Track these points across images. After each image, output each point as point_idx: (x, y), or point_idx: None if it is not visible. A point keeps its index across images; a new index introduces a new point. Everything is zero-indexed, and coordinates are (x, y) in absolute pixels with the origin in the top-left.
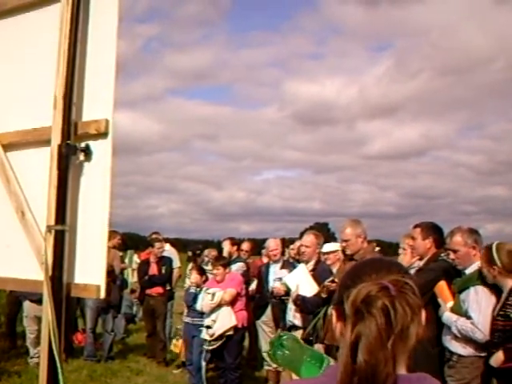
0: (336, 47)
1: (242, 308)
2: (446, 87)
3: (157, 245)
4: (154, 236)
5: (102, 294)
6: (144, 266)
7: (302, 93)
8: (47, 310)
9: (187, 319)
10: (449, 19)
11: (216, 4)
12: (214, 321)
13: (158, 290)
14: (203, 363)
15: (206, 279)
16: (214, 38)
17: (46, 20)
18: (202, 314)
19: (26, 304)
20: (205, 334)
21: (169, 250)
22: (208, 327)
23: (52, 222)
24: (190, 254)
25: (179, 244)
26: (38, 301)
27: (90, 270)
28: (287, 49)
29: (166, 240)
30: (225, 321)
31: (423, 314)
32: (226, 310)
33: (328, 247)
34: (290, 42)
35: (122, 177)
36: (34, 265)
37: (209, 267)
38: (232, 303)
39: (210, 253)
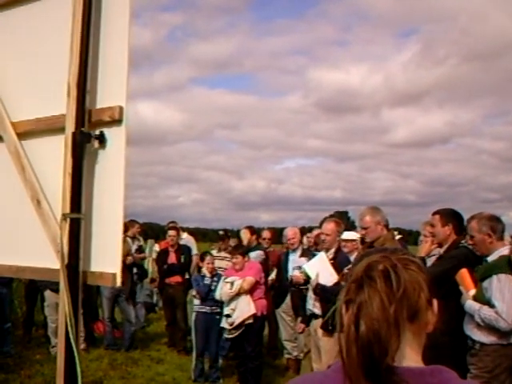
0: (361, 34)
1: (262, 296)
2: (473, 73)
3: (170, 232)
4: (170, 225)
5: (118, 282)
6: (163, 255)
7: (326, 80)
8: (63, 298)
9: (202, 308)
10: (479, 3)
11: None
12: (233, 309)
13: (177, 278)
14: (221, 353)
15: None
16: (238, 26)
17: (59, 8)
18: (217, 303)
19: (47, 293)
20: (224, 323)
21: (186, 239)
22: (227, 316)
23: (67, 210)
24: (221, 232)
25: (199, 233)
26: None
27: (105, 258)
28: (312, 36)
29: (184, 229)
30: (244, 309)
31: (435, 303)
32: (244, 299)
33: (347, 235)
34: (315, 29)
35: (144, 167)
36: (50, 253)
37: (214, 252)
38: (251, 292)
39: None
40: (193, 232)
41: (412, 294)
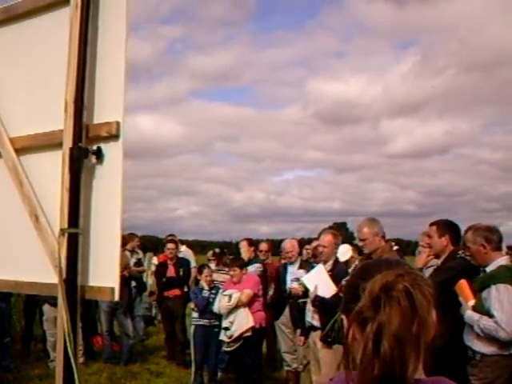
0: (361, 45)
1: (260, 309)
2: (472, 83)
3: (169, 246)
4: (168, 238)
5: (117, 297)
6: (162, 268)
7: (325, 92)
8: (62, 313)
9: (201, 321)
10: (477, 14)
11: (240, 4)
12: (232, 322)
13: (176, 291)
14: (220, 365)
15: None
16: (237, 38)
17: (56, 24)
18: (215, 316)
19: (46, 307)
20: (223, 336)
21: (184, 252)
22: (226, 329)
23: (65, 225)
24: (217, 250)
25: (198, 246)
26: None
27: (103, 272)
28: (312, 47)
29: (183, 242)
30: (242, 322)
31: (434, 314)
32: (243, 312)
33: (342, 248)
34: (315, 40)
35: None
36: (48, 268)
37: (212, 265)
38: (249, 304)
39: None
40: (192, 245)
41: (426, 310)
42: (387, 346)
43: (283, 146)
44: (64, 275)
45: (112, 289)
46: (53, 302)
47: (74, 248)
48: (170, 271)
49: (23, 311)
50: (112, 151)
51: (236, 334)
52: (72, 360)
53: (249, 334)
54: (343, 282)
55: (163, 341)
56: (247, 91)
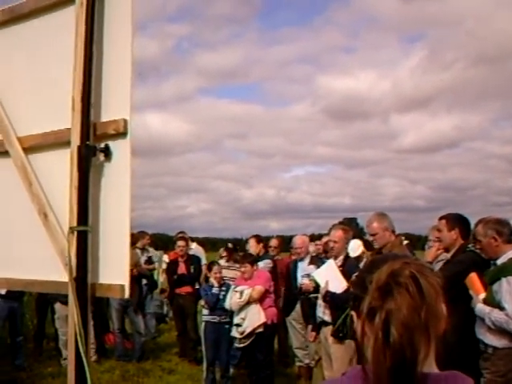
0: (369, 40)
1: (271, 305)
2: (481, 77)
3: (179, 243)
4: (178, 236)
5: (127, 294)
6: (173, 265)
7: (334, 87)
8: (73, 311)
9: (211, 318)
10: (485, 7)
11: (246, 1)
12: (243, 319)
13: (187, 289)
14: (232, 362)
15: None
16: (244, 36)
17: (62, 22)
18: (226, 313)
19: (57, 306)
20: (235, 332)
21: (195, 249)
22: (238, 325)
23: (74, 223)
24: (230, 245)
25: (208, 243)
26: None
27: (113, 270)
28: (319, 43)
29: (193, 239)
30: (254, 318)
31: (444, 307)
32: (254, 308)
33: (353, 243)
34: (322, 36)
35: (152, 178)
36: (58, 266)
37: (222, 262)
38: (260, 300)
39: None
40: (202, 242)
41: (434, 298)
42: (396, 334)
43: (292, 143)
44: (74, 273)
45: (122, 286)
46: (64, 300)
47: (83, 246)
48: (181, 268)
49: (35, 310)
50: (120, 149)
51: (248, 331)
52: (84, 358)
53: (261, 330)
54: (354, 278)
55: (175, 338)
56: (255, 88)
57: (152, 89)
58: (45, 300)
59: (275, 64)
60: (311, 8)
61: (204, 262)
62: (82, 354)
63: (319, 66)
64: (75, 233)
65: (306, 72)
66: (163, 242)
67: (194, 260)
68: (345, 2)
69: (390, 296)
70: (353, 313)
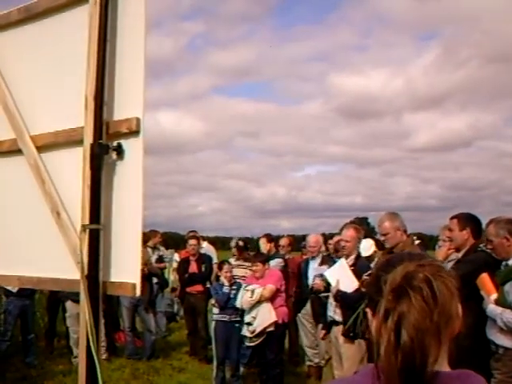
0: (382, 38)
1: (282, 304)
2: (495, 75)
3: (190, 242)
4: (190, 234)
5: (138, 292)
6: (184, 264)
7: (346, 86)
8: (84, 309)
9: (221, 317)
10: (500, 5)
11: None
12: (254, 317)
13: (198, 287)
14: (243, 361)
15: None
16: (257, 33)
17: (76, 21)
18: (236, 311)
19: (69, 304)
20: (245, 331)
21: (206, 248)
22: (248, 324)
23: (86, 221)
24: (241, 243)
25: (219, 242)
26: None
27: (125, 268)
28: (332, 41)
29: (204, 238)
30: (265, 317)
31: (459, 308)
32: (265, 307)
33: (366, 248)
34: (335, 34)
35: (164, 176)
36: (70, 264)
37: (232, 261)
38: (272, 299)
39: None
40: (213, 241)
41: (448, 301)
42: (407, 337)
43: (304, 141)
44: (86, 271)
45: (133, 284)
46: (75, 298)
47: (95, 244)
48: (193, 267)
49: (47, 308)
50: (132, 147)
51: (258, 329)
52: (95, 355)
53: (271, 328)
54: (365, 277)
55: (185, 336)
56: (268, 86)
57: (165, 87)
58: (56, 298)
59: (288, 62)
60: (324, 6)
61: (215, 260)
62: (94, 352)
63: (332, 64)
64: (87, 231)
65: (318, 70)
66: (174, 241)
67: (205, 259)
68: (358, 0)
69: (403, 299)
70: (368, 310)
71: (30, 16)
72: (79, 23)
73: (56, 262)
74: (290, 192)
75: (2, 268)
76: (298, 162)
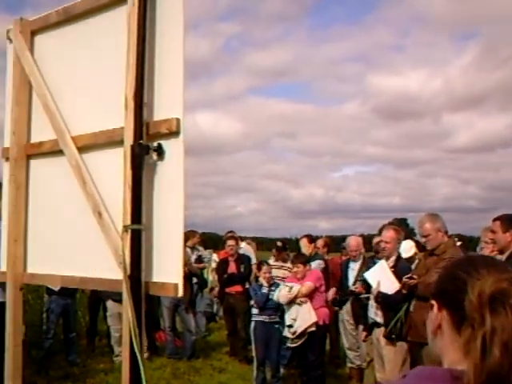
0: (420, 37)
1: (323, 305)
2: None
3: (229, 242)
4: (228, 235)
5: (180, 293)
6: (223, 264)
7: (384, 86)
8: (127, 309)
9: (260, 318)
10: None
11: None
12: (295, 319)
13: (237, 288)
14: (283, 362)
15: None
16: (294, 34)
17: (114, 22)
18: (275, 312)
19: (109, 303)
20: (286, 333)
21: (244, 248)
22: (289, 326)
23: (128, 221)
24: (279, 244)
25: (257, 242)
26: (121, 300)
27: (167, 268)
28: (369, 41)
29: (242, 238)
30: (305, 317)
31: None
32: (305, 307)
33: (406, 249)
34: (373, 34)
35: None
36: (112, 264)
37: (271, 261)
38: (311, 299)
39: None
40: (251, 241)
41: None
42: (497, 353)
43: (342, 142)
44: (128, 271)
45: (175, 285)
46: (116, 298)
47: (137, 244)
48: (232, 268)
49: (88, 307)
50: (172, 148)
51: (299, 330)
52: (138, 355)
53: (312, 329)
54: (405, 279)
55: (225, 337)
56: (305, 87)
57: (202, 88)
58: (97, 297)
59: (325, 62)
60: (361, 6)
61: (254, 261)
62: (137, 352)
63: (369, 64)
64: (129, 231)
65: (356, 70)
66: (213, 242)
67: (244, 259)
68: (395, 0)
69: (496, 314)
70: (433, 302)
71: (68, 18)
72: (118, 24)
73: (98, 261)
74: (327, 193)
75: (45, 267)
76: (336, 162)
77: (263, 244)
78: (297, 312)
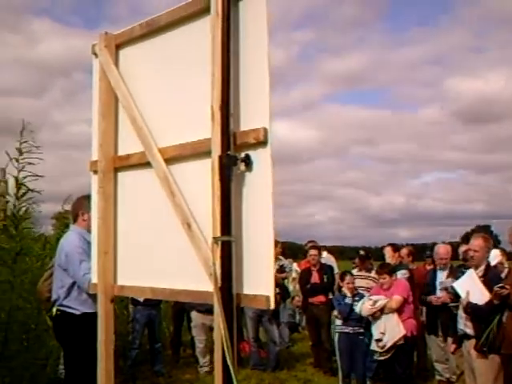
0: (499, 38)
1: (410, 316)
2: None
3: (311, 252)
4: (310, 244)
5: (272, 305)
6: (305, 274)
7: (463, 89)
8: (219, 321)
9: (345, 329)
10: None
11: (372, 4)
12: (383, 333)
13: (321, 298)
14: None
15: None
16: (369, 39)
17: (196, 33)
18: (360, 323)
19: (194, 314)
20: (375, 346)
21: (326, 257)
22: (378, 340)
23: (218, 233)
24: (362, 252)
25: (336, 251)
26: (206, 311)
27: (258, 280)
28: (447, 44)
29: (324, 248)
30: (394, 331)
31: None
32: (393, 320)
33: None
34: (450, 36)
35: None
36: (202, 276)
37: (355, 271)
38: (399, 311)
39: None
40: (331, 250)
41: None
42: None
43: (421, 148)
44: (219, 283)
45: (267, 297)
46: (201, 308)
47: (227, 256)
48: (314, 278)
49: (172, 318)
50: (260, 158)
51: (389, 344)
52: (231, 368)
53: (401, 342)
54: (496, 288)
55: (308, 347)
56: (382, 93)
57: (278, 97)
58: (181, 308)
59: (401, 67)
60: (437, 7)
61: (336, 270)
62: (230, 364)
63: (447, 67)
64: (219, 243)
65: (433, 74)
66: (292, 250)
67: (326, 269)
68: (471, 1)
69: None
70: None
71: (152, 30)
72: (201, 35)
73: (188, 273)
74: (407, 200)
75: (135, 279)
76: (415, 169)
77: (343, 253)
78: (385, 325)
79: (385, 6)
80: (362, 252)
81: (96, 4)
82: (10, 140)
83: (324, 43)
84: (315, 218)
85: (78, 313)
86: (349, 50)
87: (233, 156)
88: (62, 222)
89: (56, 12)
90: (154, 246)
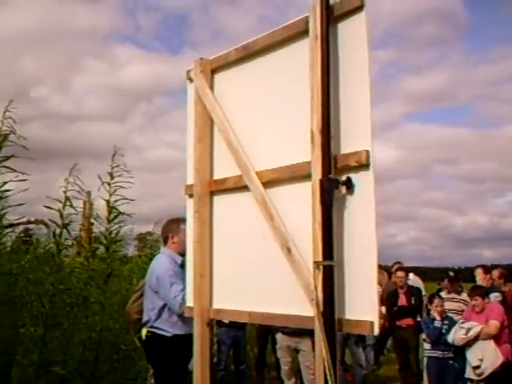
0: None
1: (506, 340)
2: None
3: (398, 274)
4: (396, 266)
5: (376, 331)
6: (392, 296)
7: None
8: (321, 346)
9: (434, 353)
10: None
11: (452, 22)
12: (481, 360)
13: (408, 321)
14: None
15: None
16: (450, 57)
17: (293, 56)
18: (449, 347)
19: (279, 336)
20: (470, 374)
21: (412, 279)
22: (476, 367)
23: (319, 257)
24: (451, 274)
25: (419, 272)
26: (291, 333)
27: (361, 305)
28: None
29: (409, 269)
30: (492, 358)
31: None
32: (490, 346)
33: None
34: None
35: None
36: (302, 300)
37: (443, 294)
38: (495, 336)
39: None
40: (415, 272)
41: None
42: None
43: (505, 166)
44: (321, 308)
45: (371, 323)
46: (286, 330)
47: (329, 281)
48: (402, 300)
49: (256, 339)
50: (362, 181)
51: (487, 372)
52: None
53: (498, 369)
54: None
55: (395, 371)
56: (463, 111)
57: None
58: (266, 330)
59: (483, 84)
60: None
61: (424, 292)
62: None
63: None
64: (321, 267)
65: None
66: None
67: (413, 291)
68: None
69: None
70: None
71: (248, 54)
72: (299, 58)
73: (287, 297)
74: (491, 219)
75: (233, 303)
76: (500, 187)
77: (426, 274)
78: (482, 352)
79: (466, 24)
80: (451, 273)
81: (178, 30)
82: (95, 163)
83: (405, 62)
84: (397, 238)
85: (168, 335)
86: (430, 68)
87: (334, 179)
88: (145, 244)
89: (139, 38)
90: (252, 270)
